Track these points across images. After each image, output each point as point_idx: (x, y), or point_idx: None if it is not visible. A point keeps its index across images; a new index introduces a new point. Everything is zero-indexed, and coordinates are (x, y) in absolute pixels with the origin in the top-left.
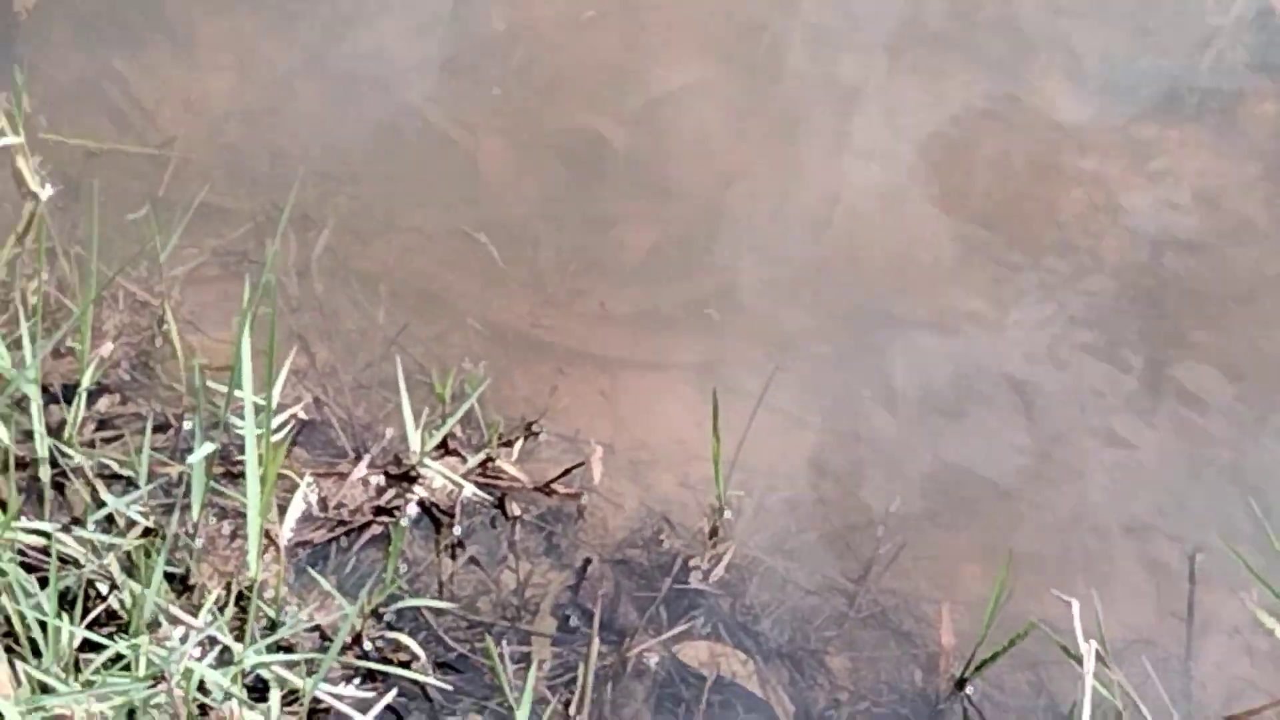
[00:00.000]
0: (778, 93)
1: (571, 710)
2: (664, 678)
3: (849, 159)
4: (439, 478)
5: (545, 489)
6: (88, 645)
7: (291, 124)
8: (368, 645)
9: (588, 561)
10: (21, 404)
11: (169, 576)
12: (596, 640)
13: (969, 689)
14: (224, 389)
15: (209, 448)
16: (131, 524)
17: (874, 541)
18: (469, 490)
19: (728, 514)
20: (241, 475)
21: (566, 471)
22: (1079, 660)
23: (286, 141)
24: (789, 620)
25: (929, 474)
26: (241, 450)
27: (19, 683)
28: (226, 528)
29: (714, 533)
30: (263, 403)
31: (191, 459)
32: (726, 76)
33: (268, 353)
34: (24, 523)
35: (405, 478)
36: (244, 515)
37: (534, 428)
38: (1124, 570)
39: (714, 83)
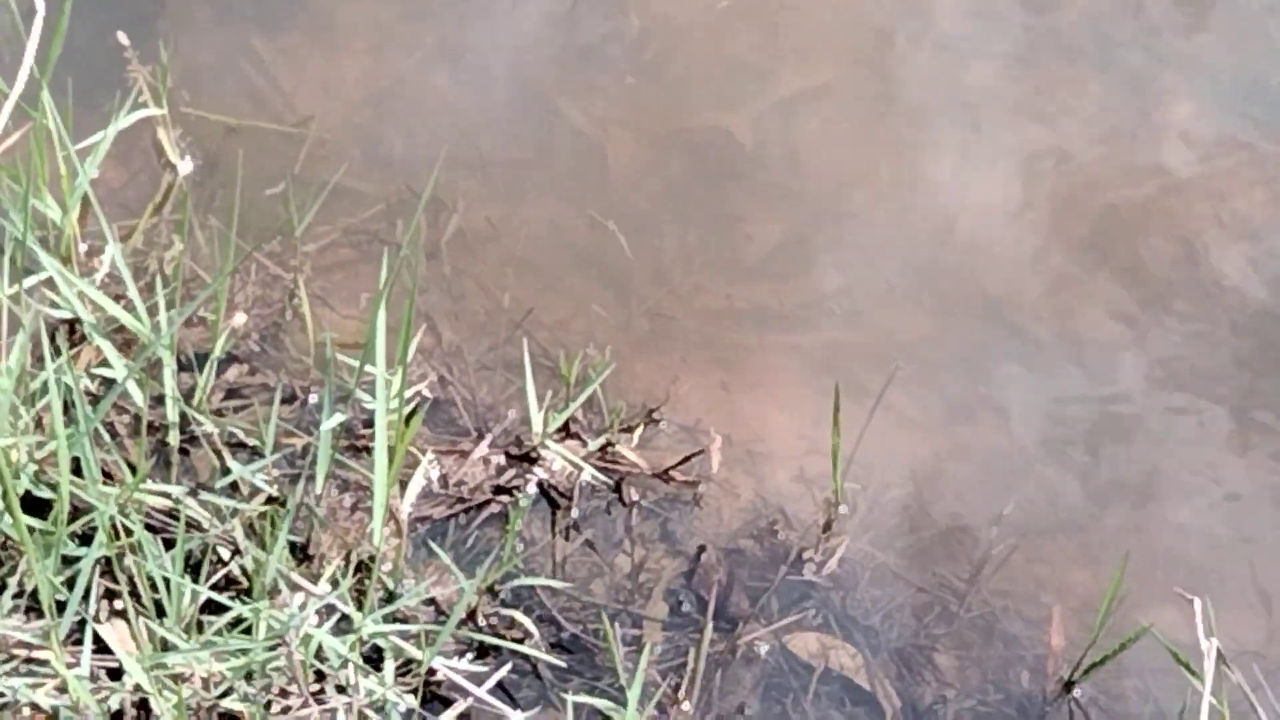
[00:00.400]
0: (906, 99)
1: (681, 694)
2: (773, 667)
3: (973, 168)
4: (559, 460)
5: (663, 476)
6: (207, 609)
7: (424, 109)
8: (482, 621)
9: (702, 549)
10: (153, 369)
11: (289, 545)
12: (710, 626)
13: (1076, 692)
14: (352, 363)
15: (338, 418)
16: (255, 492)
17: (986, 543)
18: (588, 474)
19: (843, 509)
20: (365, 449)
21: (686, 459)
22: (1189, 667)
23: (419, 126)
24: (899, 616)
25: (1042, 482)
26: (365, 425)
27: (140, 640)
28: (348, 500)
29: (828, 526)
30: (393, 379)
31: (320, 429)
32: (855, 81)
33: (398, 330)
34: (151, 485)
35: (525, 458)
36: (365, 488)
37: (655, 415)
38: (1234, 585)
39: (843, 86)
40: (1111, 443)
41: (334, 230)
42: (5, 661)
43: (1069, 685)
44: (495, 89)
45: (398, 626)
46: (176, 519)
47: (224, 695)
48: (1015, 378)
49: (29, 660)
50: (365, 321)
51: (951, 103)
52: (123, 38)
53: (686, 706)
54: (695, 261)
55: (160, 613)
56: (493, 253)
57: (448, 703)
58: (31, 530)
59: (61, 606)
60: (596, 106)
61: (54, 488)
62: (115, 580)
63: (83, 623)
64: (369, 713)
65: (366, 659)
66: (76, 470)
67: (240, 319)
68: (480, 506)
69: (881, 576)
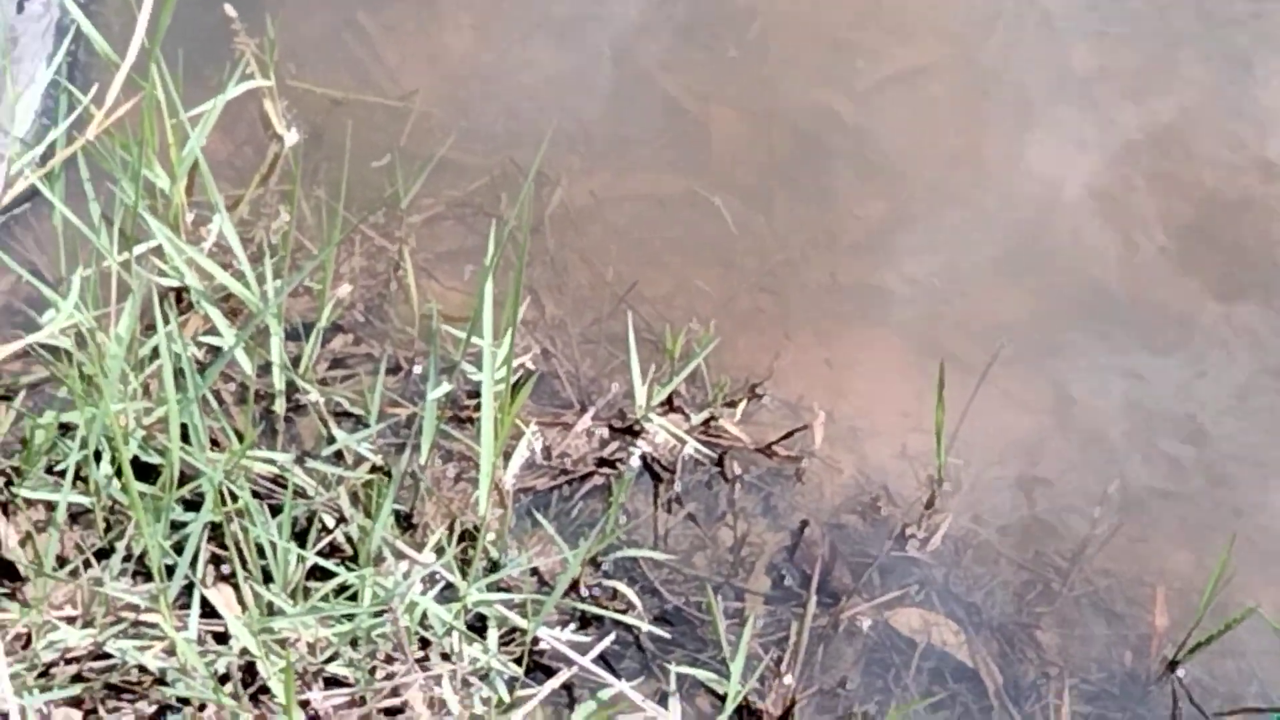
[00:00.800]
0: (1009, 79)
1: (783, 668)
2: (875, 642)
3: (1076, 149)
4: (662, 433)
5: (766, 450)
6: (312, 576)
7: (528, 84)
8: (584, 592)
9: (805, 524)
10: (258, 338)
11: (394, 513)
12: (813, 601)
13: (1180, 672)
14: (458, 335)
15: (445, 388)
16: (360, 461)
17: (1089, 523)
18: (691, 447)
19: (945, 486)
20: (468, 420)
21: (789, 434)
22: None
23: (522, 100)
24: (1001, 593)
25: (1146, 462)
26: (469, 396)
27: (247, 605)
28: (451, 470)
29: (930, 503)
30: (499, 350)
31: (426, 399)
32: (959, 60)
33: (503, 303)
34: (257, 452)
35: (629, 431)
36: (469, 459)
37: (758, 390)
38: None
39: (946, 65)
40: (1215, 424)
41: (438, 203)
42: (114, 624)
43: (1173, 665)
44: (598, 64)
45: (502, 595)
46: (282, 486)
47: (329, 660)
48: (1118, 357)
49: (137, 623)
50: (469, 294)
51: (1055, 83)
52: (230, 9)
53: (789, 680)
54: (798, 237)
55: (266, 579)
56: (596, 227)
57: (550, 672)
58: (140, 495)
59: (169, 571)
60: (699, 82)
61: (162, 453)
62: (222, 546)
63: (189, 587)
64: (473, 680)
65: (470, 627)
66: (184, 437)
67: (345, 289)
68: (583, 478)
69: (984, 554)
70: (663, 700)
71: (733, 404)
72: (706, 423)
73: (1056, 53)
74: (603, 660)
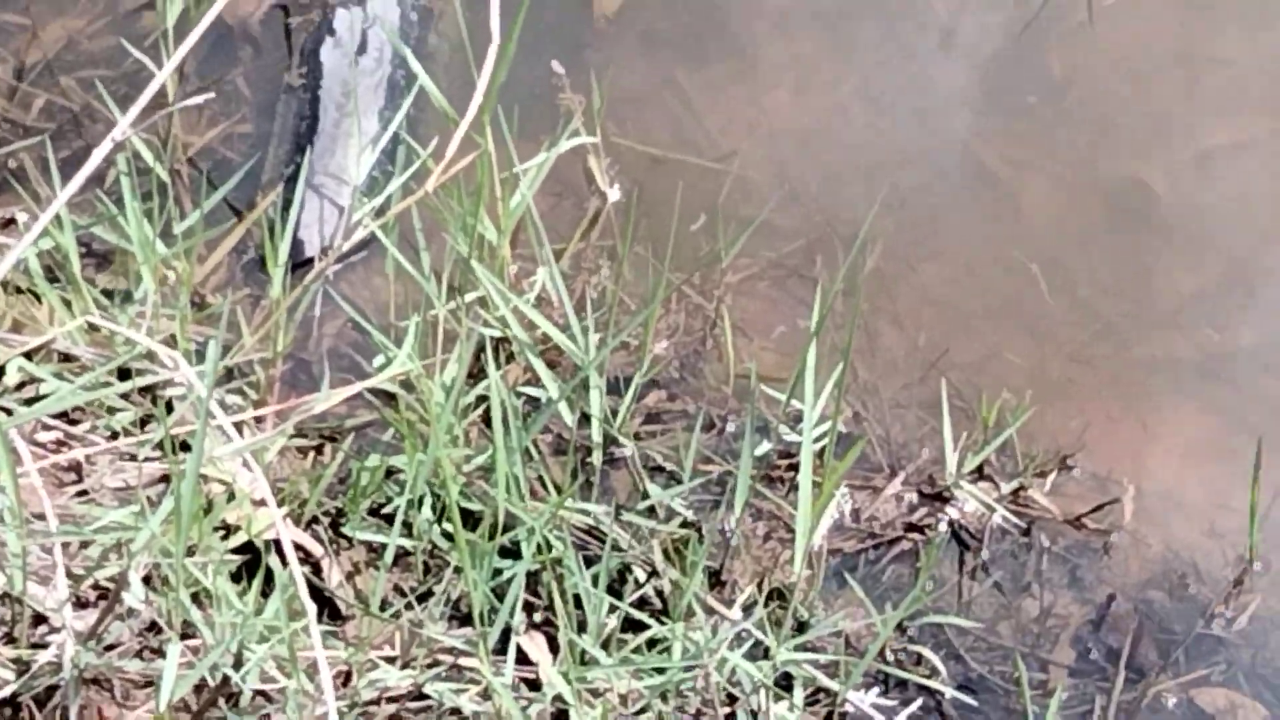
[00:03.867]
0: None
1: None
2: None
3: None
4: (971, 501)
5: (1076, 523)
6: (622, 628)
7: (843, 147)
8: (889, 655)
9: (1111, 598)
10: (575, 390)
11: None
12: (1122, 675)
13: None
14: (776, 395)
15: (765, 446)
16: (671, 516)
17: None
18: (999, 516)
19: (1256, 566)
20: (779, 480)
21: (1099, 507)
22: None
23: (837, 165)
24: None
25: None
26: (781, 456)
27: (556, 653)
28: (761, 528)
29: (1239, 583)
30: (819, 414)
31: (741, 457)
32: (1278, 137)
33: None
34: (574, 504)
35: (938, 498)
36: (778, 518)
37: (1069, 461)
38: None
39: (1265, 142)
40: None
41: (754, 263)
42: (431, 666)
43: None
44: (912, 131)
45: (810, 655)
46: (595, 537)
47: (640, 712)
48: None
49: (454, 666)
50: (781, 354)
51: None
52: (557, 66)
53: None
54: (1111, 308)
55: (579, 629)
56: (908, 291)
57: None
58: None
59: (485, 617)
60: (1013, 150)
61: (482, 500)
62: (533, 594)
63: (502, 634)
64: None
65: (776, 685)
66: None
67: (663, 345)
68: (891, 542)
69: None
70: None
71: (1043, 474)
72: (1016, 492)
73: None
74: None
